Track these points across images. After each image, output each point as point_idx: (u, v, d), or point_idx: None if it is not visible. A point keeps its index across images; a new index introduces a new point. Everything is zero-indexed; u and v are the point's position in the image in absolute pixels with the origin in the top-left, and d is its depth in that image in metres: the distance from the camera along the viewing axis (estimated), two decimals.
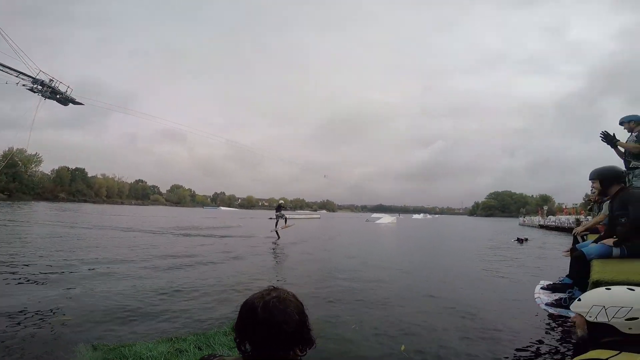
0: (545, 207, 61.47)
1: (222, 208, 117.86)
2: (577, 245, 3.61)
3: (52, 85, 15.84)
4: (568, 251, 3.95)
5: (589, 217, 7.81)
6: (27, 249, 9.48)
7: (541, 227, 38.29)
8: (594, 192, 4.75)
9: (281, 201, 17.79)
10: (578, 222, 18.15)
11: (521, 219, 57.87)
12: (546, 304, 3.13)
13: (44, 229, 15.81)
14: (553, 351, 3.51)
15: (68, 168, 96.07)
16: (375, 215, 57.77)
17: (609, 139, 4.01)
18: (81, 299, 4.98)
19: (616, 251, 2.87)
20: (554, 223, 35.48)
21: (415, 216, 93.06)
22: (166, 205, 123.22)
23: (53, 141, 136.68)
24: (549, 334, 3.96)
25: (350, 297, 5.74)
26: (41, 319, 4.14)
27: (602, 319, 1.26)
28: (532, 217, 51.85)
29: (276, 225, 15.42)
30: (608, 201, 3.38)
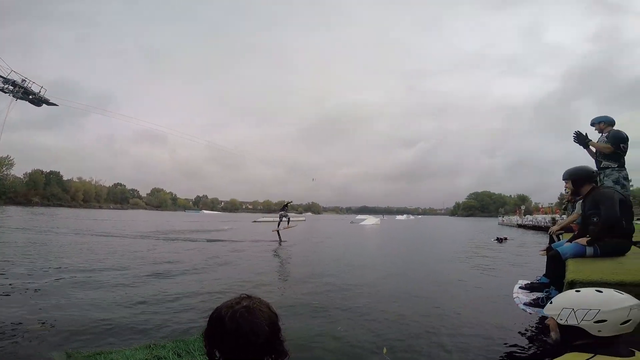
0: (523, 207, 63.71)
1: (205, 211, 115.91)
2: (552, 245, 3.70)
3: (25, 85, 15.09)
4: (544, 250, 4.04)
5: (564, 216, 8.10)
6: None
7: (519, 226, 39.52)
8: (567, 192, 4.92)
9: (291, 201, 17.43)
10: (554, 221, 18.82)
11: (500, 218, 59.55)
12: (524, 304, 3.18)
13: (17, 234, 15.02)
14: (531, 353, 3.55)
15: (42, 171, 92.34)
16: (360, 216, 58.14)
17: (581, 140, 4.15)
18: (56, 309, 4.72)
19: (589, 250, 2.94)
20: (531, 222, 36.71)
21: (399, 217, 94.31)
22: (146, 209, 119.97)
23: (25, 143, 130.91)
24: (528, 334, 4.01)
25: (339, 299, 5.73)
26: (14, 329, 3.92)
27: (572, 321, 1.25)
28: (511, 217, 53.45)
29: (278, 225, 14.94)
30: (581, 200, 3.48)
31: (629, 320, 1.19)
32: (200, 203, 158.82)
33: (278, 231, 14.82)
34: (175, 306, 5.15)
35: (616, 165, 3.95)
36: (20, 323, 4.11)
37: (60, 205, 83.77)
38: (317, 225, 38.78)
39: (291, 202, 16.49)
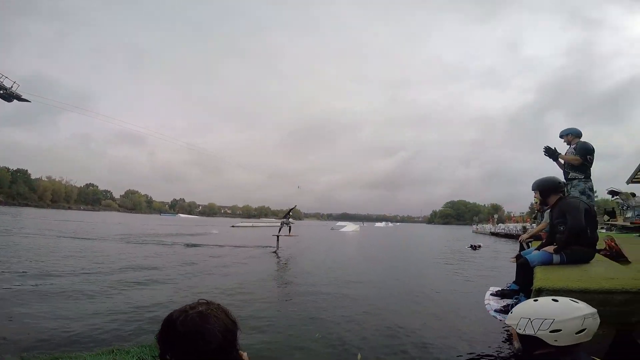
0: (496, 216, 66.01)
1: (181, 215, 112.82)
2: (522, 252, 3.78)
3: None
4: (515, 258, 4.13)
5: (534, 225, 8.39)
6: None
7: (492, 234, 40.81)
8: (536, 202, 5.08)
9: (295, 205, 17.35)
10: (524, 230, 19.56)
11: (474, 226, 61.32)
12: (495, 310, 3.21)
13: None
14: None
15: (8, 169, 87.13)
16: (340, 223, 58.33)
17: (551, 153, 4.30)
18: (9, 317, 4.39)
19: (556, 258, 3.02)
20: (503, 230, 37.99)
21: (378, 224, 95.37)
22: (119, 211, 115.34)
23: None
24: (497, 342, 4.06)
25: (317, 305, 5.68)
26: None
27: (529, 331, 1.25)
28: (484, 225, 55.15)
29: (279, 230, 14.68)
30: (549, 210, 3.59)
31: (584, 329, 1.19)
32: (177, 206, 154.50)
33: (278, 237, 14.60)
34: (144, 313, 4.89)
35: (582, 177, 4.10)
36: None
37: (27, 205, 79.51)
38: (298, 232, 38.44)
39: (295, 206, 16.06)
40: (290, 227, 14.78)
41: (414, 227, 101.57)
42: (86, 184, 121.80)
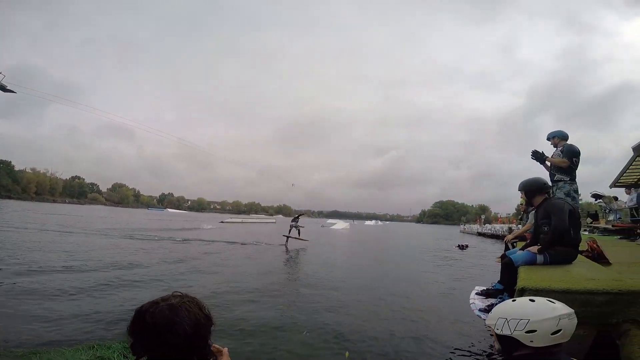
0: (483, 217, 67.21)
1: (170, 210, 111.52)
2: (507, 252, 3.82)
3: None
4: (500, 258, 4.17)
5: (520, 226, 8.52)
6: None
7: (479, 234, 41.44)
8: (522, 203, 5.14)
9: (303, 213, 17.70)
10: (510, 230, 19.90)
11: (462, 226, 62.21)
12: (479, 310, 3.23)
13: None
14: None
15: None
16: (330, 221, 58.57)
17: (538, 157, 4.36)
18: None
19: (540, 258, 3.05)
20: (489, 231, 38.60)
21: (368, 222, 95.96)
22: (106, 205, 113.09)
23: None
24: (480, 342, 4.09)
25: (306, 303, 5.67)
26: None
27: (506, 331, 1.24)
28: (472, 225, 56.00)
29: (289, 232, 15.18)
30: (534, 211, 3.63)
31: (560, 330, 1.18)
32: (165, 201, 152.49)
33: (287, 237, 15.11)
34: (128, 307, 4.75)
35: (568, 179, 4.17)
36: None
37: (9, 197, 77.24)
38: (287, 228, 38.34)
39: (303, 214, 16.94)
40: (299, 230, 15.33)
41: (403, 226, 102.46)
42: (72, 177, 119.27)
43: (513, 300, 1.34)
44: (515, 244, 4.97)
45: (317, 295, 6.30)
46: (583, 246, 3.63)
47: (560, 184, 4.20)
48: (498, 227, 37.15)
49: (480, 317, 3.18)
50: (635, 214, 9.51)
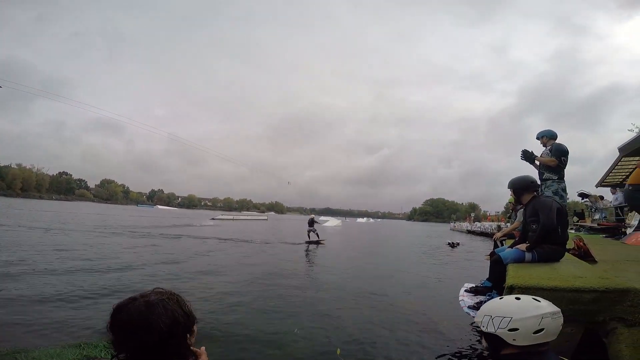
0: (473, 214, 68.08)
1: (159, 207, 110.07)
2: (495, 250, 3.85)
3: None
4: (489, 255, 4.20)
5: (508, 224, 8.63)
6: None
7: (469, 232, 41.95)
8: (511, 202, 5.18)
9: (312, 215, 18.80)
10: (499, 228, 20.18)
11: (452, 224, 62.93)
12: (469, 307, 3.25)
13: None
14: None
15: None
16: (322, 218, 58.58)
17: (528, 157, 4.40)
18: None
19: (528, 256, 3.07)
20: (479, 229, 39.11)
21: (360, 220, 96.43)
22: (94, 201, 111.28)
23: None
24: (469, 340, 4.11)
25: (297, 300, 5.64)
26: None
27: (490, 329, 1.23)
28: (461, 223, 56.69)
29: (309, 237, 16.73)
30: (522, 209, 3.66)
31: (542, 329, 1.16)
32: (155, 197, 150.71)
33: (308, 243, 16.37)
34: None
35: (556, 177, 4.21)
36: None
37: None
38: (279, 226, 38.34)
39: (314, 217, 18.03)
40: (317, 233, 16.82)
41: (394, 223, 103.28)
42: (59, 173, 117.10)
43: (500, 298, 1.33)
44: (504, 241, 5.03)
45: (306, 292, 6.28)
46: (570, 244, 3.67)
47: (549, 182, 4.24)
48: (487, 225, 37.65)
49: (470, 315, 3.20)
50: (620, 213, 9.73)
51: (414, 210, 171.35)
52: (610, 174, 13.34)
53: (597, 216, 11.77)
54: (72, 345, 3.23)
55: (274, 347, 3.67)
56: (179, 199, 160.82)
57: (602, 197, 11.90)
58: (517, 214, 5.07)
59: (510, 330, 1.18)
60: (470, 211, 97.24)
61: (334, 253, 13.84)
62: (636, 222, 7.34)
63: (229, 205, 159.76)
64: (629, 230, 8.35)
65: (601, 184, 14.78)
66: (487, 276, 3.60)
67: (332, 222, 47.78)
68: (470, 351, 3.78)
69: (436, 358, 3.56)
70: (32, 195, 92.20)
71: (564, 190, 4.24)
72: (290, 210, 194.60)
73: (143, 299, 0.90)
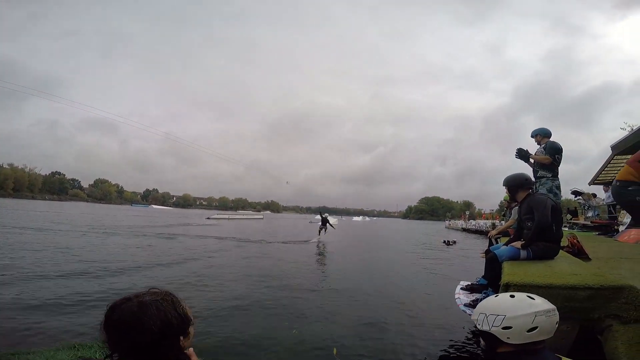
0: (468, 212, 68.41)
1: (154, 206, 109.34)
2: (491, 248, 3.87)
3: None
4: (484, 253, 4.22)
5: (503, 222, 8.69)
6: None
7: (464, 230, 42.22)
8: (506, 199, 5.20)
9: (325, 214, 19.84)
10: (493, 226, 20.32)
11: (447, 222, 63.23)
12: (464, 305, 3.26)
13: None
14: (466, 357, 3.64)
15: None
16: (318, 217, 58.58)
17: (522, 155, 4.42)
18: None
19: (523, 253, 3.09)
20: (474, 227, 39.33)
21: (356, 218, 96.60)
22: (87, 201, 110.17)
23: None
24: (465, 338, 4.13)
25: (295, 299, 5.62)
26: None
27: (485, 327, 1.22)
28: (456, 221, 56.95)
29: (319, 233, 17.56)
30: (517, 206, 3.68)
31: (536, 327, 1.15)
32: (149, 197, 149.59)
33: (320, 233, 17.43)
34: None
35: (550, 175, 4.24)
36: None
37: None
38: (275, 225, 38.28)
39: (326, 215, 19.04)
40: (324, 229, 17.84)
41: (390, 221, 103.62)
42: (52, 172, 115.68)
43: (496, 296, 1.33)
44: (499, 239, 5.05)
45: (304, 291, 6.26)
46: (564, 242, 3.70)
47: (543, 180, 4.27)
48: (482, 223, 37.86)
49: (466, 312, 3.20)
50: (612, 210, 9.84)
51: (410, 208, 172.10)
52: (603, 172, 13.48)
53: (590, 214, 11.88)
54: (66, 346, 3.20)
55: (270, 347, 3.66)
56: (174, 198, 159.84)
57: (595, 195, 12.01)
58: (512, 211, 5.10)
59: (504, 328, 1.18)
60: (465, 209, 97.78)
61: (331, 253, 13.83)
62: (628, 220, 7.42)
63: (224, 205, 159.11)
64: (621, 228, 8.45)
65: (594, 181, 14.93)
66: (483, 274, 3.61)
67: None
68: (467, 349, 3.79)
69: (432, 356, 3.57)
70: (25, 195, 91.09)
71: (558, 187, 4.27)
72: (286, 209, 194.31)
73: (137, 300, 0.89)
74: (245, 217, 52.89)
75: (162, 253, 10.27)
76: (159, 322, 0.86)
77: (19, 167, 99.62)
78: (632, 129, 11.14)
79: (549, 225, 3.04)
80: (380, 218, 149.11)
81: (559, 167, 4.28)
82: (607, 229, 9.02)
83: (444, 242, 19.95)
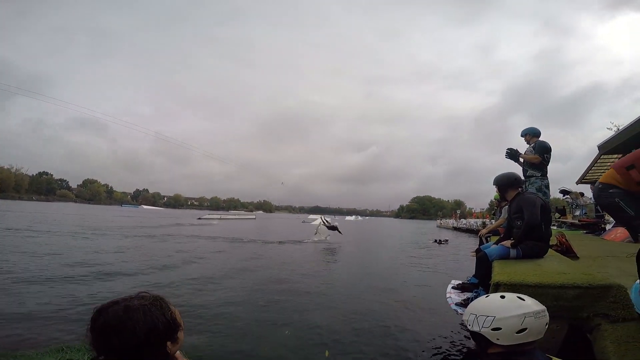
0: (458, 212, 69.17)
1: (144, 207, 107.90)
2: (481, 247, 3.90)
3: None
4: (475, 252, 4.25)
5: (493, 221, 8.78)
6: None
7: (454, 229, 42.65)
8: (496, 198, 5.25)
9: (336, 221, 20.54)
10: (484, 225, 20.56)
11: (438, 221, 63.82)
12: (456, 304, 3.27)
13: None
14: (457, 358, 3.65)
15: None
16: (311, 216, 58.48)
17: (512, 155, 4.46)
18: None
19: (513, 252, 3.11)
20: (464, 225, 39.74)
21: (348, 218, 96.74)
22: (76, 202, 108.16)
23: None
24: (457, 337, 4.14)
25: (288, 302, 5.58)
26: None
27: (475, 328, 1.22)
28: (447, 220, 57.53)
29: (326, 238, 17.77)
30: (507, 205, 3.72)
31: (525, 329, 1.15)
32: (139, 197, 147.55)
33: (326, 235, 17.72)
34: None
35: (539, 174, 4.29)
36: None
37: None
38: (267, 225, 38.11)
39: (336, 225, 19.34)
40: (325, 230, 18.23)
41: (382, 220, 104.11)
42: (39, 173, 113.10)
43: (487, 296, 1.32)
44: (489, 238, 5.10)
45: (297, 293, 6.22)
46: (552, 240, 3.74)
47: (532, 179, 4.31)
48: (472, 222, 38.27)
49: (457, 312, 3.22)
50: (599, 209, 10.03)
51: (402, 207, 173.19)
52: (590, 171, 13.76)
53: (577, 212, 12.10)
54: (53, 349, 3.15)
55: (263, 347, 3.63)
56: (165, 198, 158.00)
57: (582, 194, 12.25)
58: (502, 210, 5.15)
59: (493, 329, 1.17)
60: (456, 208, 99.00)
61: (324, 253, 13.82)
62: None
63: (216, 205, 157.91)
64: (608, 227, 8.63)
65: (581, 180, 15.23)
66: (474, 272, 3.64)
67: (320, 220, 47.76)
68: (458, 349, 3.81)
69: (423, 357, 3.58)
70: (11, 196, 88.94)
71: (547, 187, 4.31)
72: (278, 209, 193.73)
73: (124, 303, 0.89)
74: (237, 217, 52.57)
75: (153, 255, 10.10)
76: (145, 326, 0.86)
77: (5, 167, 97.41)
78: (618, 129, 11.38)
79: (538, 224, 3.07)
80: (372, 217, 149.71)
81: (547, 166, 4.33)
82: (595, 227, 9.20)
83: (435, 241, 20.10)
